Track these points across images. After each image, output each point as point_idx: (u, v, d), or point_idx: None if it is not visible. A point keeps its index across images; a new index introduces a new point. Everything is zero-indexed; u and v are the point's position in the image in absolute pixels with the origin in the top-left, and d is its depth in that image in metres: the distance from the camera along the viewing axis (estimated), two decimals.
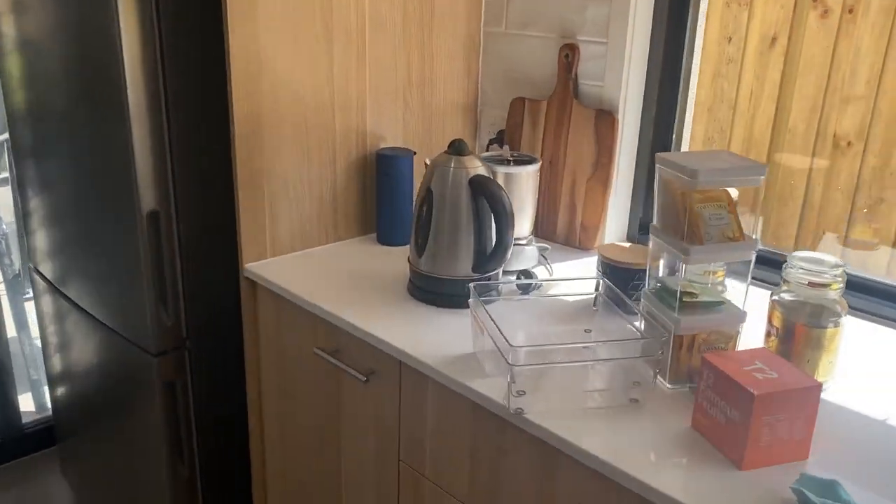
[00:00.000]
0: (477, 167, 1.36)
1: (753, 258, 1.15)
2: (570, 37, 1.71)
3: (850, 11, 1.60)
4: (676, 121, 1.71)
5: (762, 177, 1.11)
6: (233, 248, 1.61)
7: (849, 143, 1.65)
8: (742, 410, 0.97)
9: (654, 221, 1.20)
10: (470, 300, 1.22)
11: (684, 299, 1.15)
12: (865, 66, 1.57)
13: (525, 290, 1.47)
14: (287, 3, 1.48)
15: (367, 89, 1.68)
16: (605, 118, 1.65)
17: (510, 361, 1.03)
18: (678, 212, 1.14)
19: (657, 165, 1.16)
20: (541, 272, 1.56)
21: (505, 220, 1.32)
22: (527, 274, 1.48)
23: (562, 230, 1.76)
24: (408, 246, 1.69)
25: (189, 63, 1.52)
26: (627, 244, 1.48)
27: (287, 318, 1.54)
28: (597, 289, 1.29)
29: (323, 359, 1.44)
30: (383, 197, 1.69)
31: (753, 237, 1.14)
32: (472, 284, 1.22)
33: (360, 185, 1.72)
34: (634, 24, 1.62)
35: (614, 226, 1.74)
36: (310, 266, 1.58)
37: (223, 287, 1.70)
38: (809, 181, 1.70)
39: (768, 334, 1.21)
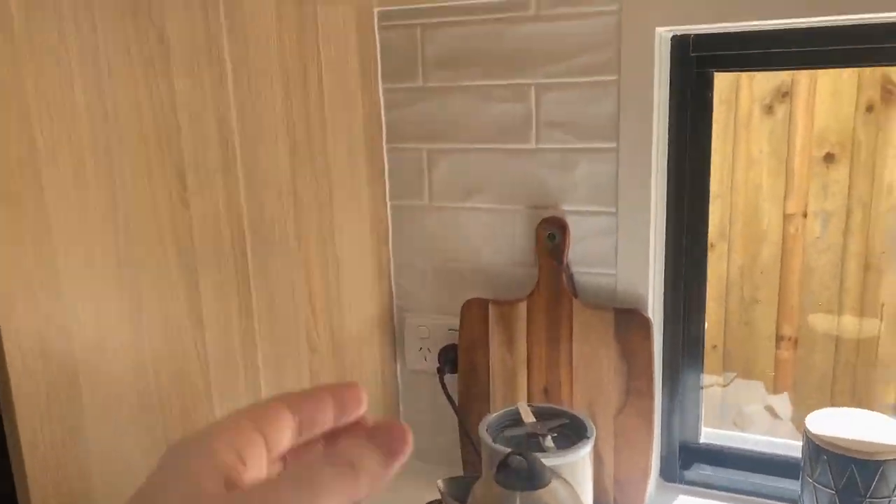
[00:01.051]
0: (564, 500, 0.71)
1: None
2: (552, 206, 1.13)
3: None
4: (705, 303, 1.20)
5: None
6: None
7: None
8: None
9: None
10: None
11: None
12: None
13: None
14: (105, 215, 0.74)
15: (259, 340, 0.96)
16: (632, 321, 1.08)
17: None
18: None
19: None
20: None
21: None
22: None
23: None
24: None
25: None
26: None
27: None
28: None
29: None
30: None
31: None
32: None
33: None
34: (657, 182, 1.09)
35: None
36: None
37: None
38: None
39: None
